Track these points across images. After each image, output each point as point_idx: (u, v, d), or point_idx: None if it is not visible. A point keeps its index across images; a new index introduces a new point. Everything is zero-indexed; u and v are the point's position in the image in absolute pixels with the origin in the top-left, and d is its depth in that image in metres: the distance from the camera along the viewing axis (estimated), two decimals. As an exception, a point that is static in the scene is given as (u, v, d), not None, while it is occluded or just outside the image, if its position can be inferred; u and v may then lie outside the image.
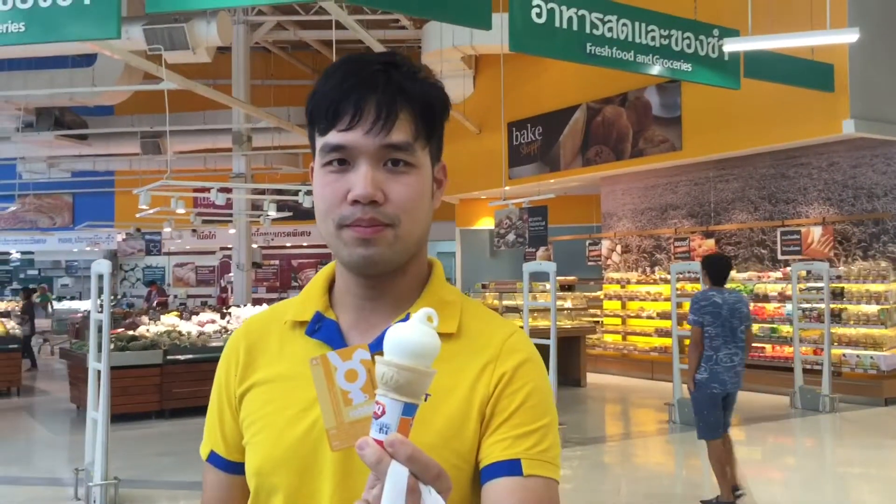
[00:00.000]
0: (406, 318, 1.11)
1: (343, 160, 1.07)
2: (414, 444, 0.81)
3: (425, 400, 1.06)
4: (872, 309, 10.33)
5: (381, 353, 0.88)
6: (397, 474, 0.79)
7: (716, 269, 6.01)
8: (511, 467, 1.03)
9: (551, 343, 7.53)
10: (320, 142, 1.09)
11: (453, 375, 1.08)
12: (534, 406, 1.08)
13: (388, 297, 1.14)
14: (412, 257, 1.13)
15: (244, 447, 1.16)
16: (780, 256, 11.49)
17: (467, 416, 1.07)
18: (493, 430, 1.06)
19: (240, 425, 1.17)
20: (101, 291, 6.05)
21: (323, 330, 1.14)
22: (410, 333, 0.83)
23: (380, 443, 0.80)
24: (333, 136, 1.07)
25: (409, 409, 0.82)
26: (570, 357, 11.66)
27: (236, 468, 1.19)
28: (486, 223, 17.65)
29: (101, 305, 6.05)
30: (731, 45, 7.87)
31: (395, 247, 1.08)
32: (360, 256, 1.07)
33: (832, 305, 10.27)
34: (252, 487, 1.14)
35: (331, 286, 1.20)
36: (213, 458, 1.22)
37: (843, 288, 10.60)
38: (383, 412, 0.81)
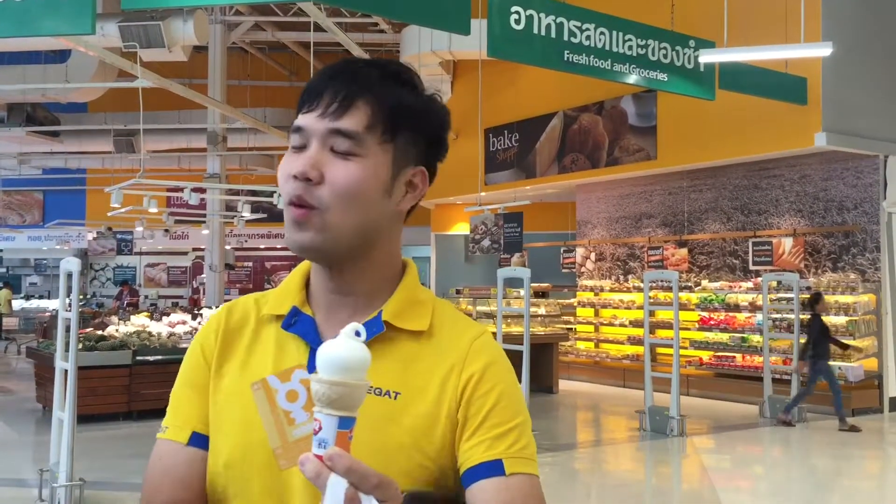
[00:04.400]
0: (377, 316, 1.12)
1: (302, 144, 1.09)
2: (352, 456, 0.82)
3: (395, 398, 1.07)
4: (841, 320, 10.45)
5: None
6: (336, 486, 0.81)
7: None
8: (493, 468, 1.05)
9: (524, 349, 7.53)
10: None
11: (423, 375, 1.09)
12: (507, 406, 1.10)
13: (356, 293, 1.14)
14: (366, 252, 1.12)
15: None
16: (751, 267, 11.60)
17: (436, 416, 1.08)
18: (470, 434, 1.07)
19: (209, 407, 1.15)
20: (69, 290, 5.96)
21: (299, 325, 1.14)
22: (338, 349, 0.85)
23: (320, 457, 0.82)
24: (298, 119, 1.10)
25: (345, 423, 0.84)
26: (542, 364, 11.68)
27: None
28: (462, 229, 17.66)
29: (70, 304, 5.96)
30: (706, 57, 7.95)
31: (325, 234, 1.07)
32: (291, 241, 1.09)
33: (802, 316, 10.38)
34: (221, 482, 1.11)
35: (308, 282, 1.20)
36: (196, 440, 1.15)
37: (812, 299, 10.72)
38: (320, 428, 0.83)
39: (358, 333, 0.87)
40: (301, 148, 1.09)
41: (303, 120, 1.09)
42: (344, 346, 0.85)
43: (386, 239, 1.15)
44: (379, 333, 1.10)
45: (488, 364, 1.12)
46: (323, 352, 0.85)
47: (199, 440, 1.15)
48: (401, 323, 1.11)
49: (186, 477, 1.14)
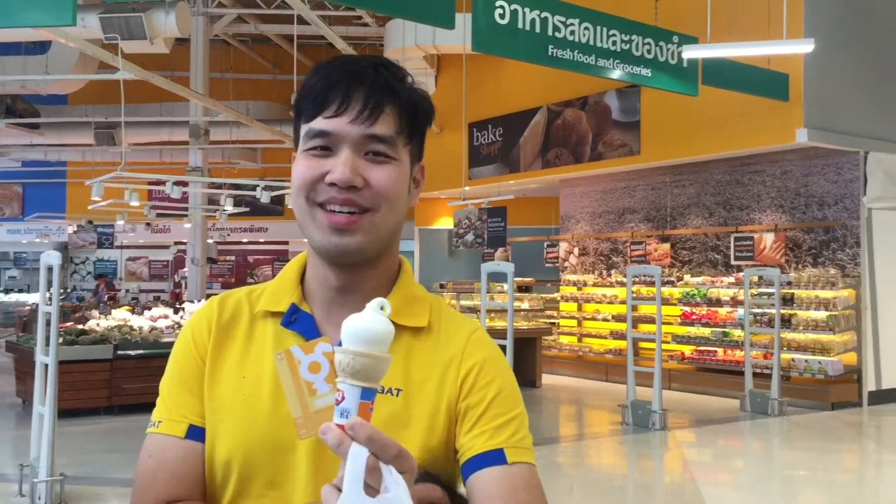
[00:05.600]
0: None
1: (326, 146, 1.09)
2: (373, 426, 0.84)
3: (397, 395, 1.10)
4: (821, 315, 10.55)
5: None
6: (357, 455, 0.83)
7: None
8: (496, 457, 1.08)
9: (508, 344, 7.55)
10: (305, 128, 1.11)
11: (423, 370, 1.12)
12: (506, 398, 1.13)
13: (359, 292, 1.15)
14: (384, 252, 1.15)
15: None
16: (733, 262, 11.68)
17: (437, 409, 1.11)
18: (471, 424, 1.10)
19: (205, 403, 1.14)
20: (50, 284, 5.91)
21: (299, 322, 1.15)
22: (364, 321, 0.88)
23: (342, 427, 0.84)
24: (319, 122, 1.09)
25: (367, 394, 0.86)
26: (525, 358, 11.71)
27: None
28: (446, 223, 17.67)
29: (50, 298, 5.91)
30: (689, 52, 7.98)
31: (371, 235, 1.10)
32: (334, 245, 1.09)
33: (782, 311, 10.47)
34: (219, 477, 1.11)
35: (303, 277, 1.20)
36: (194, 432, 1.13)
37: (793, 294, 10.81)
38: (343, 398, 0.86)
39: (383, 308, 0.89)
40: (323, 150, 1.09)
41: (328, 124, 1.09)
42: (370, 319, 0.88)
43: (398, 237, 1.18)
44: None
45: (487, 357, 1.15)
46: (349, 324, 0.88)
47: (196, 433, 1.13)
48: (402, 320, 1.12)
49: (183, 471, 1.12)
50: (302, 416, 0.92)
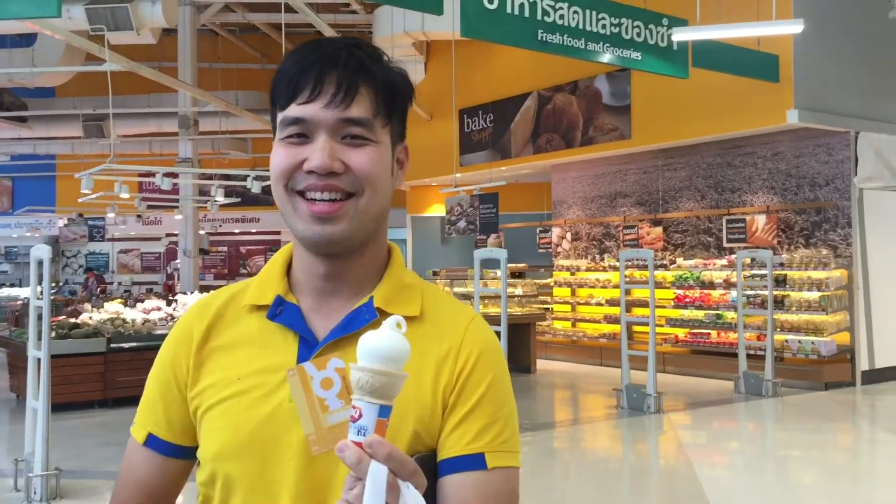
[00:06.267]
0: (369, 302, 1.11)
1: (302, 134, 1.07)
2: (391, 444, 0.84)
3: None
4: (814, 296, 10.58)
5: (344, 339, 1.03)
6: (377, 473, 0.83)
7: None
8: (475, 462, 1.05)
9: (502, 330, 7.55)
10: (280, 116, 1.09)
11: (418, 360, 1.07)
12: (496, 396, 1.10)
13: (348, 281, 1.13)
14: (371, 238, 1.13)
15: (194, 430, 1.14)
16: (725, 244, 11.70)
17: (435, 401, 1.08)
18: (456, 422, 1.07)
19: (189, 407, 1.14)
20: (41, 278, 5.89)
21: (285, 314, 1.12)
22: (382, 340, 0.88)
23: (358, 444, 0.85)
24: (293, 110, 1.07)
25: (384, 411, 0.87)
26: (520, 344, 11.73)
27: (180, 452, 1.16)
28: (437, 210, 17.64)
29: (42, 292, 5.89)
30: (679, 35, 7.96)
31: (356, 222, 1.07)
32: (317, 234, 1.07)
33: (775, 292, 10.50)
34: (206, 473, 1.11)
35: (289, 268, 1.18)
36: (152, 441, 1.17)
37: (785, 275, 10.84)
38: (360, 415, 0.86)
39: (399, 325, 0.90)
40: (300, 137, 1.07)
41: (302, 111, 1.06)
42: (388, 337, 0.88)
43: (384, 223, 1.15)
44: (372, 321, 1.08)
45: (483, 350, 1.12)
46: (367, 341, 0.88)
47: (156, 443, 1.16)
48: (393, 309, 1.09)
49: (146, 479, 1.16)
50: (314, 433, 0.92)
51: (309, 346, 1.09)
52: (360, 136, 1.07)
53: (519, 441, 1.11)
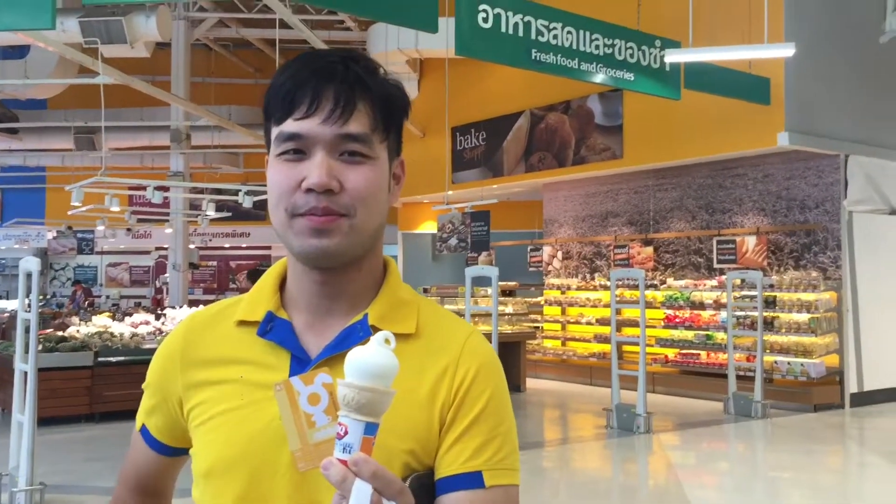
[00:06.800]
0: (364, 319, 1.09)
1: (298, 150, 1.05)
2: (377, 461, 0.83)
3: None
4: (803, 317, 10.61)
5: (337, 357, 0.99)
6: (361, 492, 0.82)
7: None
8: (473, 480, 1.03)
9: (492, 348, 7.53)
10: (275, 131, 1.07)
11: (414, 376, 1.06)
12: (494, 412, 1.08)
13: (343, 297, 1.11)
14: (367, 253, 1.11)
15: (181, 436, 1.17)
16: (715, 265, 11.73)
17: (430, 419, 1.06)
18: (454, 439, 1.05)
19: (181, 421, 1.15)
20: (29, 290, 5.84)
21: (275, 330, 1.10)
22: (370, 355, 0.86)
23: (344, 462, 0.83)
24: (289, 125, 1.04)
25: (370, 429, 0.85)
26: (510, 362, 11.70)
27: (165, 449, 1.21)
28: (429, 227, 17.64)
29: (30, 305, 5.84)
30: (672, 56, 8.01)
31: (350, 238, 1.05)
32: (314, 247, 1.04)
33: (765, 314, 10.52)
34: (199, 490, 1.10)
35: (283, 285, 1.16)
36: (144, 433, 1.22)
37: (775, 297, 10.87)
38: (346, 432, 0.85)
39: (387, 341, 0.88)
40: (296, 153, 1.05)
41: (299, 126, 1.04)
42: (376, 353, 0.87)
43: (380, 237, 1.14)
44: (366, 339, 1.07)
45: (482, 365, 1.10)
46: (354, 357, 0.86)
47: (147, 436, 1.21)
48: (388, 326, 1.06)
49: (139, 460, 1.24)
50: (300, 449, 0.91)
51: (301, 364, 1.07)
52: (359, 152, 1.05)
53: (518, 458, 1.10)
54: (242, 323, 1.13)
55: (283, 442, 1.00)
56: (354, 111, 1.04)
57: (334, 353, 1.06)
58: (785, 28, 9.85)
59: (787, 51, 8.01)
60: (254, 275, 10.36)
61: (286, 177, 1.05)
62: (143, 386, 1.21)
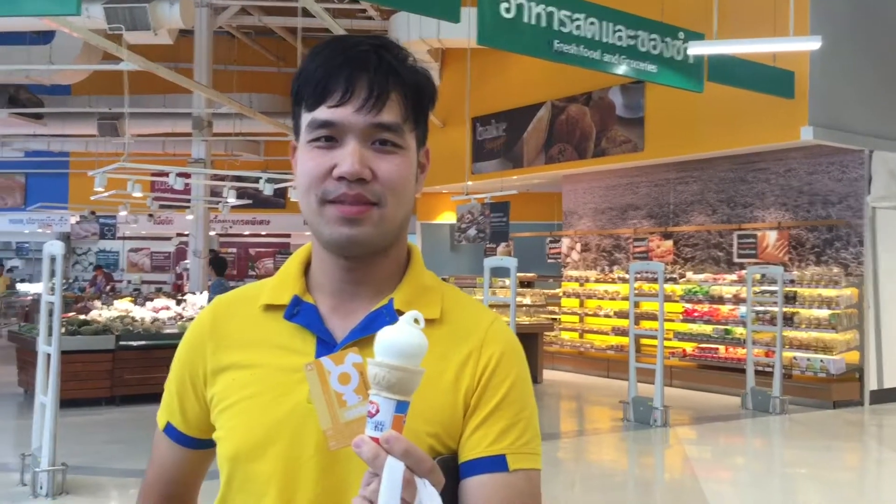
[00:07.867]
0: (389, 304, 1.10)
1: (330, 137, 1.06)
2: (408, 439, 0.84)
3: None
4: (824, 313, 10.53)
5: (363, 340, 1.02)
6: (394, 469, 0.83)
7: None
8: (496, 463, 1.05)
9: (510, 338, 7.53)
10: (307, 118, 1.07)
11: (438, 362, 1.07)
12: (517, 398, 1.10)
13: (369, 282, 1.12)
14: (394, 240, 1.13)
15: (211, 426, 1.15)
16: (735, 259, 11.66)
17: (454, 404, 1.07)
18: (477, 423, 1.07)
19: (208, 407, 1.15)
20: (53, 274, 5.91)
21: (302, 314, 1.12)
22: (400, 335, 0.88)
23: (375, 440, 0.85)
24: (322, 112, 1.05)
25: (401, 407, 0.87)
26: (527, 353, 11.42)
27: (194, 443, 1.20)
28: (448, 217, 17.65)
29: (53, 288, 5.91)
30: (695, 49, 7.96)
31: (380, 227, 1.07)
32: (344, 236, 1.06)
33: (785, 309, 10.45)
34: (225, 473, 1.11)
35: (307, 269, 1.17)
36: (169, 430, 1.21)
37: (795, 292, 10.80)
38: (377, 411, 0.86)
39: (416, 321, 0.90)
40: (328, 141, 1.06)
41: (333, 114, 1.05)
42: (406, 333, 0.88)
43: (406, 225, 1.16)
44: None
45: (504, 351, 1.12)
46: (384, 337, 0.88)
47: (172, 432, 1.20)
48: None
49: (166, 461, 1.22)
50: (332, 428, 0.92)
51: (327, 347, 1.08)
52: (391, 141, 1.06)
53: (540, 442, 1.11)
54: (269, 307, 1.14)
55: (311, 424, 1.02)
56: (387, 101, 1.05)
57: (361, 337, 1.08)
58: (810, 21, 9.75)
59: (813, 44, 7.93)
60: (216, 262, 10.42)
61: (317, 164, 1.06)
62: (166, 384, 1.22)
